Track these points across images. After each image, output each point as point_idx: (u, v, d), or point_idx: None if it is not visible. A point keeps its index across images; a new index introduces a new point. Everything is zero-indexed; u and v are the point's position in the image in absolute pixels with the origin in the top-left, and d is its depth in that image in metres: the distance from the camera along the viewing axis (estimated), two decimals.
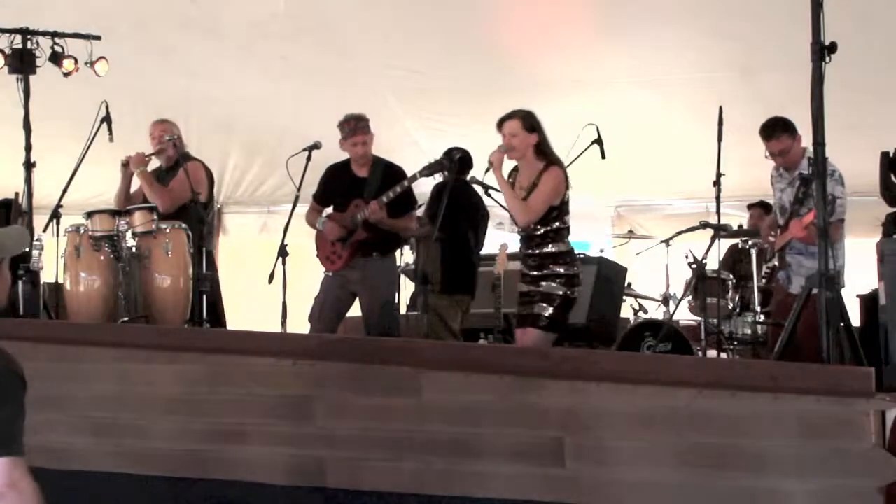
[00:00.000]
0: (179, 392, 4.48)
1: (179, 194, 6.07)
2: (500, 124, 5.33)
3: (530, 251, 5.32)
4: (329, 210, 6.23)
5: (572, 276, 5.26)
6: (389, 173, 6.07)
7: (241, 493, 4.33)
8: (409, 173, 6.03)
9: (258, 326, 6.32)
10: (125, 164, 6.24)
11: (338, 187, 6.16)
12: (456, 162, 5.93)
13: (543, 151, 5.31)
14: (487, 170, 5.38)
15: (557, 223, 5.27)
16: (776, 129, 5.55)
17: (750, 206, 8.11)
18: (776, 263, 5.91)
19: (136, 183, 6.33)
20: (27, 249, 5.83)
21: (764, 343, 6.50)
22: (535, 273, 5.27)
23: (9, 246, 2.75)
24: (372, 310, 6.01)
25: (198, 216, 5.93)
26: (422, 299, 6.24)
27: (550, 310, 5.20)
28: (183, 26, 7.93)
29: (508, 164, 5.41)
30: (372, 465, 4.19)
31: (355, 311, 6.20)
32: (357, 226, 5.97)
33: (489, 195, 6.93)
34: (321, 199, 6.25)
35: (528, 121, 5.31)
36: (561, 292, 5.22)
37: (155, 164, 6.41)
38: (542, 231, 5.26)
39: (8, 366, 2.52)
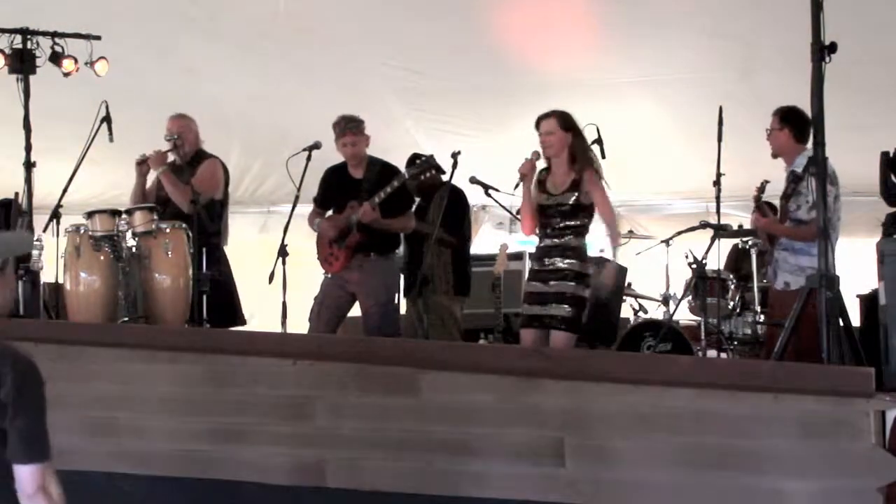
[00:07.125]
0: (179, 392, 4.49)
1: (203, 192, 6.04)
2: (538, 123, 5.44)
3: (547, 243, 5.36)
4: (330, 213, 6.23)
5: (584, 274, 5.31)
6: (385, 173, 6.04)
7: (241, 494, 4.34)
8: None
9: (258, 326, 6.32)
10: (141, 163, 6.19)
11: (335, 189, 6.15)
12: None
13: (576, 152, 5.39)
14: (517, 185, 5.45)
15: (578, 221, 5.35)
16: (789, 111, 5.55)
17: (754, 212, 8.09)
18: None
19: (148, 180, 6.28)
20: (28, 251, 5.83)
21: (764, 343, 6.50)
22: (550, 268, 5.30)
23: (13, 246, 2.78)
24: (370, 311, 5.98)
25: (203, 217, 5.90)
26: (424, 301, 6.28)
27: (570, 309, 5.24)
28: (183, 26, 7.92)
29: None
30: (372, 465, 4.20)
31: (355, 311, 6.20)
32: (352, 227, 5.95)
33: (489, 195, 6.94)
34: (321, 202, 6.24)
35: (564, 119, 5.42)
36: (576, 292, 5.27)
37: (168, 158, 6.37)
38: (562, 224, 5.34)
39: (38, 375, 2.59)
